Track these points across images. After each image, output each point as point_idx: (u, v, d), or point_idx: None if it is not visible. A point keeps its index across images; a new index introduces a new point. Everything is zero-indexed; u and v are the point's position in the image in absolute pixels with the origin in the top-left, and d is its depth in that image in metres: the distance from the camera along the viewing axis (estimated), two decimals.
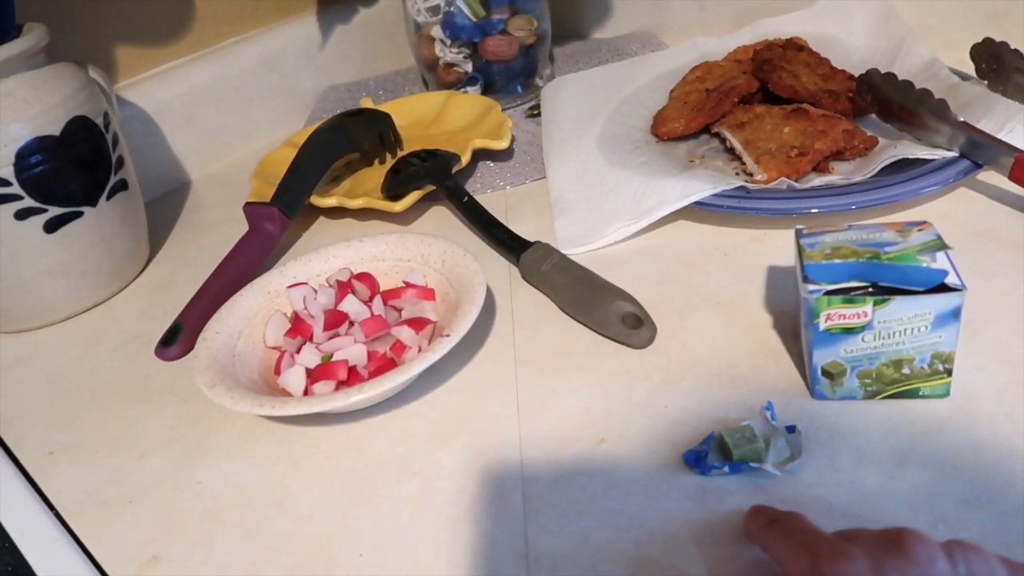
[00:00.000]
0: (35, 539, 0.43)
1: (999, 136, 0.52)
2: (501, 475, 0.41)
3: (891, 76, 0.58)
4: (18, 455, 0.50)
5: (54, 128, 0.57)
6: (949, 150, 0.54)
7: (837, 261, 0.38)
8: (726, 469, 0.38)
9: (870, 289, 0.37)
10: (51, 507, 0.46)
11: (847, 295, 0.37)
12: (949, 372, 0.39)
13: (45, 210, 0.57)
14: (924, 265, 0.37)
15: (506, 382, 0.47)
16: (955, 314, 0.37)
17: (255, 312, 0.52)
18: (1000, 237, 0.50)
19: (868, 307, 0.37)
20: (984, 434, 0.38)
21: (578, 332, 0.50)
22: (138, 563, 0.41)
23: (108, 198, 0.61)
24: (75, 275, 0.61)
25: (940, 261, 0.37)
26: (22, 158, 0.55)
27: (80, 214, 0.59)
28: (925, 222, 0.40)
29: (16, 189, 0.56)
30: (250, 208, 0.64)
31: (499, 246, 0.58)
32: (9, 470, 0.48)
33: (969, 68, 0.62)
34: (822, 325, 0.38)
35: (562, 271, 0.52)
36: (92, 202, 0.60)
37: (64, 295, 0.61)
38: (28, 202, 0.56)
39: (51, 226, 0.58)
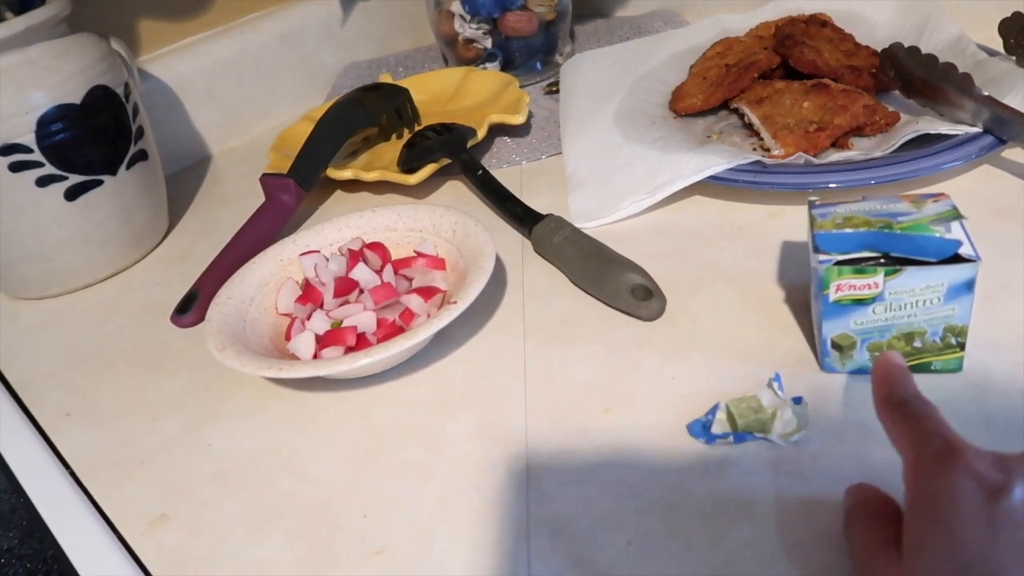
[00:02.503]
0: (50, 496, 0.44)
1: None
2: (505, 442, 0.42)
3: (914, 50, 0.56)
4: (36, 416, 0.51)
5: (75, 97, 0.58)
6: (972, 126, 0.52)
7: (848, 230, 0.37)
8: (731, 439, 0.38)
9: (882, 259, 0.37)
10: (66, 466, 0.47)
11: (858, 265, 0.37)
12: (962, 346, 0.38)
13: (66, 178, 0.58)
14: (937, 235, 0.36)
15: (514, 352, 0.47)
16: (969, 286, 0.36)
17: (268, 279, 0.52)
18: (1022, 214, 0.49)
19: (879, 278, 0.37)
20: (996, 410, 0.37)
21: (588, 304, 0.50)
22: (147, 521, 0.42)
23: (128, 167, 0.62)
24: (95, 243, 0.62)
25: (955, 231, 0.36)
26: (43, 126, 0.56)
27: (100, 182, 0.60)
28: (941, 194, 0.39)
29: (37, 156, 0.57)
30: (267, 179, 0.64)
31: (512, 219, 0.58)
32: (27, 430, 0.50)
33: (998, 44, 0.61)
34: (832, 296, 0.38)
35: (574, 244, 0.52)
36: (112, 171, 0.61)
37: (84, 263, 0.62)
38: (49, 169, 0.57)
39: (71, 194, 0.59)
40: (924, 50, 0.58)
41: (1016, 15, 0.59)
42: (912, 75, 0.55)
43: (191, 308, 0.56)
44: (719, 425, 0.38)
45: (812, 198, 0.41)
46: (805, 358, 0.42)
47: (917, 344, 0.38)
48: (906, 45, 0.58)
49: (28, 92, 0.56)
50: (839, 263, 0.37)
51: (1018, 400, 0.38)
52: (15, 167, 0.56)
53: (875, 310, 0.38)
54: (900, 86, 0.57)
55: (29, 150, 0.56)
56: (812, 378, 0.41)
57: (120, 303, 0.61)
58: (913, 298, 0.37)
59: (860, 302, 0.38)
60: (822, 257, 0.37)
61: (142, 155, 0.64)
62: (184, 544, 0.40)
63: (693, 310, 0.48)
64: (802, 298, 0.47)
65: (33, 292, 0.63)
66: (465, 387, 0.46)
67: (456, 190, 0.66)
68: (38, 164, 0.57)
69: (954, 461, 0.27)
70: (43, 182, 0.57)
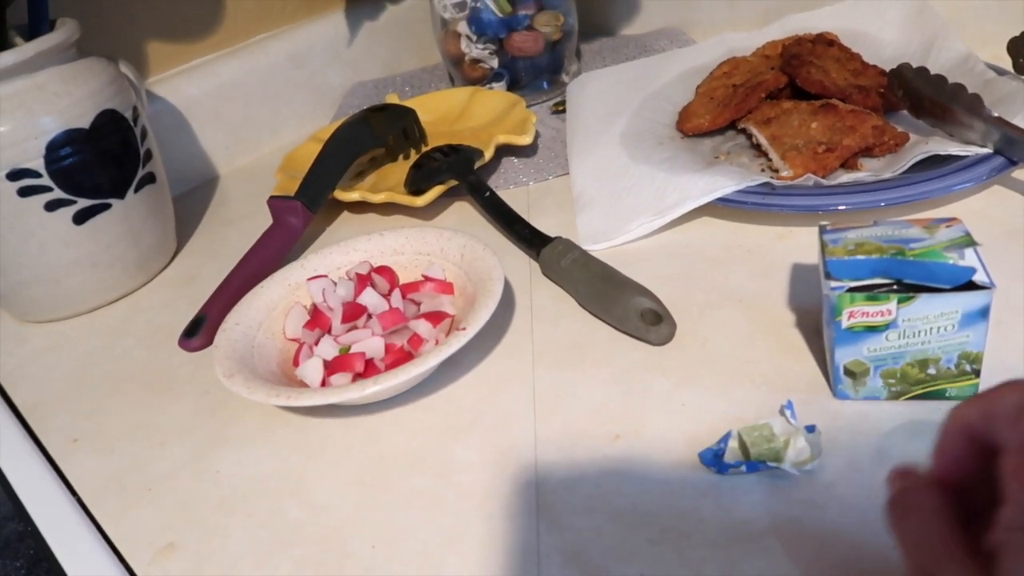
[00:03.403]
0: (56, 523, 0.44)
1: None
2: (515, 470, 0.41)
3: (923, 71, 0.56)
4: (43, 441, 0.51)
5: (84, 121, 0.58)
6: (983, 146, 0.52)
7: (860, 257, 0.37)
8: (743, 468, 0.38)
9: (894, 286, 0.36)
10: (73, 492, 0.46)
11: (870, 292, 0.36)
12: (977, 373, 0.38)
13: (74, 202, 0.58)
14: (951, 262, 0.36)
15: (523, 377, 0.47)
16: (983, 313, 0.36)
17: (275, 304, 0.52)
18: None
19: (892, 305, 0.36)
20: None
21: (597, 328, 0.50)
22: (154, 549, 0.41)
23: (136, 191, 0.62)
24: (103, 266, 0.62)
25: (968, 258, 0.36)
26: (52, 150, 0.56)
27: (108, 206, 0.60)
28: (954, 218, 0.39)
29: (46, 181, 0.57)
30: (274, 202, 0.64)
31: (520, 241, 0.58)
32: (34, 456, 0.49)
33: (1006, 63, 0.60)
34: (844, 323, 0.37)
35: (582, 266, 0.52)
36: (120, 194, 0.61)
37: (92, 286, 0.62)
38: (58, 194, 0.57)
39: (80, 218, 0.59)
40: (932, 69, 0.58)
41: None
42: (921, 95, 0.55)
43: (199, 332, 0.56)
44: (731, 454, 0.38)
45: (823, 223, 0.41)
46: (817, 384, 0.42)
47: (931, 371, 0.38)
48: (914, 64, 0.58)
49: (37, 117, 0.56)
50: (851, 290, 0.37)
51: None
52: (24, 192, 0.56)
53: (888, 337, 0.37)
54: (909, 106, 0.57)
55: (38, 175, 0.56)
56: (825, 405, 0.41)
57: (128, 326, 0.61)
58: (927, 325, 0.36)
59: (873, 329, 0.37)
60: (834, 284, 0.37)
61: (150, 178, 0.64)
62: (191, 573, 0.40)
63: (703, 334, 0.47)
64: (812, 322, 0.46)
65: (41, 315, 0.63)
66: (474, 413, 0.45)
67: (463, 211, 0.66)
68: (47, 189, 0.57)
69: None
70: (52, 206, 0.58)
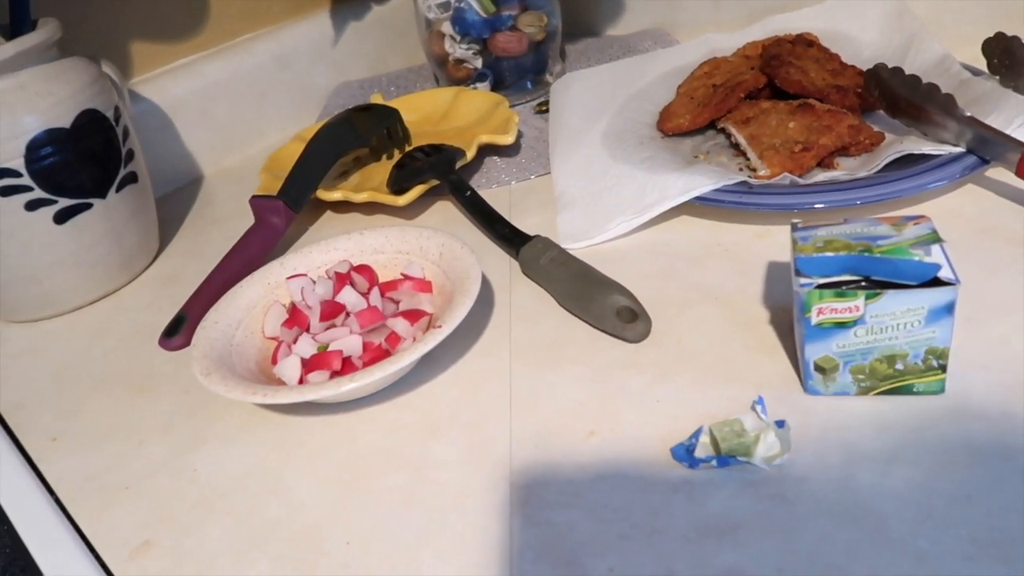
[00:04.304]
0: (33, 523, 0.44)
1: (1008, 132, 0.51)
2: (490, 467, 0.41)
3: (898, 71, 0.57)
4: (22, 441, 0.51)
5: (65, 121, 0.58)
6: (956, 146, 0.53)
7: (829, 254, 0.37)
8: (714, 463, 0.38)
9: (862, 283, 0.37)
10: (51, 492, 0.46)
11: (839, 289, 0.37)
12: (944, 368, 0.38)
13: (55, 201, 0.58)
14: (917, 259, 0.36)
15: (501, 375, 0.47)
16: (949, 309, 0.36)
17: (255, 303, 0.52)
18: (1006, 234, 0.49)
19: (860, 301, 0.37)
20: (978, 432, 0.37)
21: (575, 326, 0.50)
22: (131, 548, 0.41)
23: (118, 190, 0.62)
24: (84, 266, 0.62)
25: (934, 255, 0.36)
26: (33, 150, 0.56)
27: (89, 206, 0.60)
28: (922, 216, 0.39)
29: (26, 180, 0.57)
30: (256, 201, 0.64)
31: (500, 240, 0.58)
32: (12, 456, 0.49)
33: (982, 64, 0.61)
34: (814, 319, 0.38)
35: (560, 265, 0.52)
36: (102, 194, 0.61)
37: (73, 286, 0.62)
38: (38, 193, 0.57)
39: (61, 217, 0.59)
40: (909, 70, 0.58)
41: (999, 35, 0.59)
42: (896, 95, 0.56)
43: (179, 331, 0.56)
44: (702, 449, 0.38)
45: (795, 220, 0.41)
46: (789, 380, 0.42)
47: (899, 367, 0.38)
48: (891, 64, 0.59)
49: (18, 116, 0.56)
50: (820, 287, 0.37)
51: (1000, 421, 0.38)
52: (4, 191, 0.56)
53: (857, 333, 0.38)
54: (885, 106, 0.58)
55: (18, 174, 0.56)
56: (796, 400, 0.41)
57: (109, 326, 0.61)
58: (894, 321, 0.37)
59: (842, 325, 0.38)
60: (803, 281, 0.37)
61: (132, 178, 0.64)
62: (168, 571, 0.40)
63: (679, 331, 0.48)
64: (787, 319, 0.47)
65: (22, 315, 0.63)
66: (451, 411, 0.46)
67: (445, 211, 0.66)
68: (27, 188, 0.57)
69: None
70: (32, 206, 0.58)
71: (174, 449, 0.48)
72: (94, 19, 0.75)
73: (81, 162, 0.59)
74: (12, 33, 0.60)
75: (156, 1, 0.79)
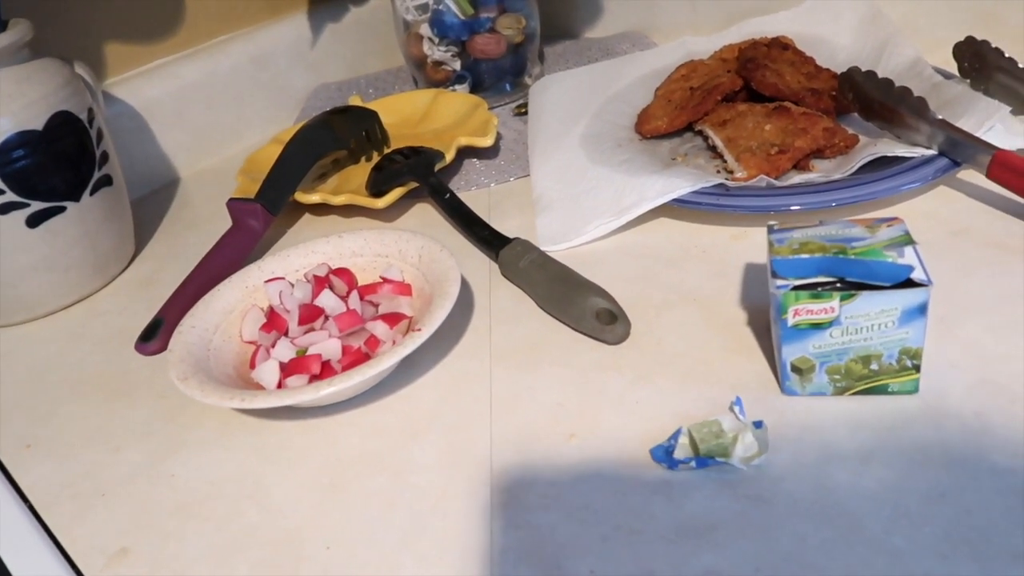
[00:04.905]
0: (6, 531, 0.43)
1: (978, 134, 0.52)
2: (471, 470, 0.41)
3: (871, 74, 0.57)
4: None
5: (37, 123, 0.57)
6: (928, 148, 0.54)
7: (804, 256, 0.38)
8: (693, 464, 0.38)
9: (837, 284, 0.37)
10: (25, 500, 0.46)
11: (814, 290, 0.37)
12: (917, 368, 0.39)
13: (27, 204, 0.58)
14: (890, 260, 0.37)
15: (481, 378, 0.47)
16: (921, 309, 0.37)
17: (232, 307, 0.52)
18: (977, 235, 0.50)
19: (835, 302, 0.37)
20: (952, 431, 0.38)
21: (555, 328, 0.50)
22: (107, 555, 0.41)
23: (92, 193, 0.62)
24: (58, 270, 0.61)
25: (907, 256, 0.37)
26: (4, 152, 0.56)
27: (63, 209, 0.60)
28: (896, 218, 0.40)
29: None
30: (233, 204, 0.64)
31: (479, 243, 0.58)
32: None
33: (954, 67, 0.62)
34: (790, 320, 0.38)
35: (540, 268, 0.52)
36: (75, 197, 0.60)
37: (48, 290, 0.61)
38: (10, 196, 0.57)
39: (33, 221, 0.58)
40: (883, 73, 0.59)
41: (969, 40, 0.60)
42: (870, 98, 0.57)
43: (156, 335, 0.55)
44: (681, 450, 0.39)
45: (771, 223, 0.42)
46: (767, 381, 0.43)
47: (874, 367, 0.39)
48: (865, 68, 0.59)
49: None
50: (796, 288, 0.38)
51: (973, 420, 0.38)
52: None
53: (832, 334, 0.38)
54: (859, 109, 0.58)
55: None
56: (773, 401, 0.41)
57: (84, 330, 0.61)
58: (868, 322, 0.37)
59: (818, 326, 0.38)
60: (780, 282, 0.38)
61: (106, 180, 0.63)
62: None
63: (658, 333, 0.48)
64: (764, 320, 0.47)
65: None
66: (431, 414, 0.46)
67: (425, 213, 0.66)
68: None
69: None
70: (4, 209, 0.57)
71: (151, 455, 0.47)
72: (66, 19, 0.74)
73: (54, 165, 0.59)
74: None
75: (130, 1, 0.78)
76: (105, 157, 0.63)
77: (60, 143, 0.59)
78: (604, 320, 0.47)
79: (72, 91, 0.61)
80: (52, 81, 0.59)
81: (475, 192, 0.68)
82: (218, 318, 0.51)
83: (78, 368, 0.56)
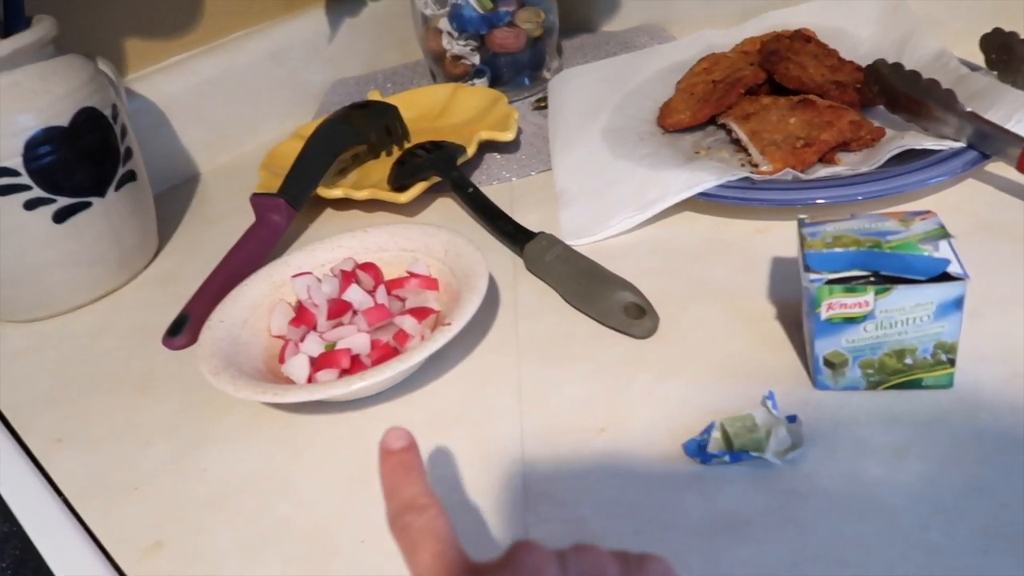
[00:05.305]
0: (42, 524, 0.44)
1: (1007, 127, 0.52)
2: (502, 464, 0.42)
3: (898, 66, 0.57)
4: (27, 441, 0.51)
5: (62, 119, 0.58)
6: (956, 141, 0.53)
7: (838, 250, 0.38)
8: (726, 458, 0.38)
9: (871, 278, 0.37)
10: (59, 493, 0.46)
11: (848, 284, 0.37)
12: (952, 362, 0.39)
13: (54, 200, 0.58)
14: (926, 254, 0.36)
15: (508, 372, 0.48)
16: (958, 303, 0.37)
17: (260, 301, 0.52)
18: (1007, 228, 0.50)
19: (869, 296, 0.37)
20: (987, 425, 0.38)
21: (581, 322, 0.50)
22: (142, 548, 0.41)
23: (116, 189, 0.62)
24: (84, 265, 0.61)
25: (943, 250, 0.37)
26: (31, 149, 0.56)
27: (88, 204, 0.60)
28: (929, 212, 0.40)
29: (25, 179, 0.56)
30: (256, 199, 0.64)
31: (503, 237, 0.58)
32: (18, 456, 0.49)
33: (979, 59, 0.62)
34: (823, 314, 0.38)
35: (565, 262, 0.52)
36: (100, 193, 0.61)
37: (73, 285, 0.62)
38: (37, 192, 0.57)
39: (60, 216, 0.59)
40: (907, 65, 0.59)
41: (997, 31, 0.60)
42: (896, 91, 0.56)
43: (182, 330, 0.55)
44: (714, 444, 0.39)
45: (802, 216, 0.42)
46: (798, 375, 0.43)
47: (908, 361, 0.39)
48: (889, 60, 0.59)
49: (15, 115, 0.56)
50: (830, 282, 0.38)
51: (1007, 414, 0.38)
52: (2, 191, 0.56)
53: (866, 328, 0.38)
54: (884, 102, 0.58)
55: (16, 173, 0.56)
56: (805, 395, 0.41)
57: (110, 325, 0.61)
58: (903, 316, 0.37)
59: (851, 320, 0.38)
60: (813, 276, 0.38)
61: (131, 176, 0.64)
62: (180, 571, 0.40)
63: (684, 327, 0.48)
64: (792, 314, 0.47)
65: (22, 315, 0.62)
66: (460, 408, 0.46)
67: (446, 207, 0.66)
68: (26, 187, 0.56)
69: None
70: (31, 205, 0.57)
71: (180, 448, 0.47)
72: (86, 16, 0.74)
73: (79, 161, 0.59)
74: (6, 30, 0.59)
75: None
76: (129, 153, 0.64)
77: (85, 139, 0.59)
78: (632, 314, 0.47)
79: (96, 87, 0.61)
80: (77, 77, 0.59)
81: (496, 186, 0.68)
82: (246, 313, 0.51)
83: (105, 363, 0.57)
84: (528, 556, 0.26)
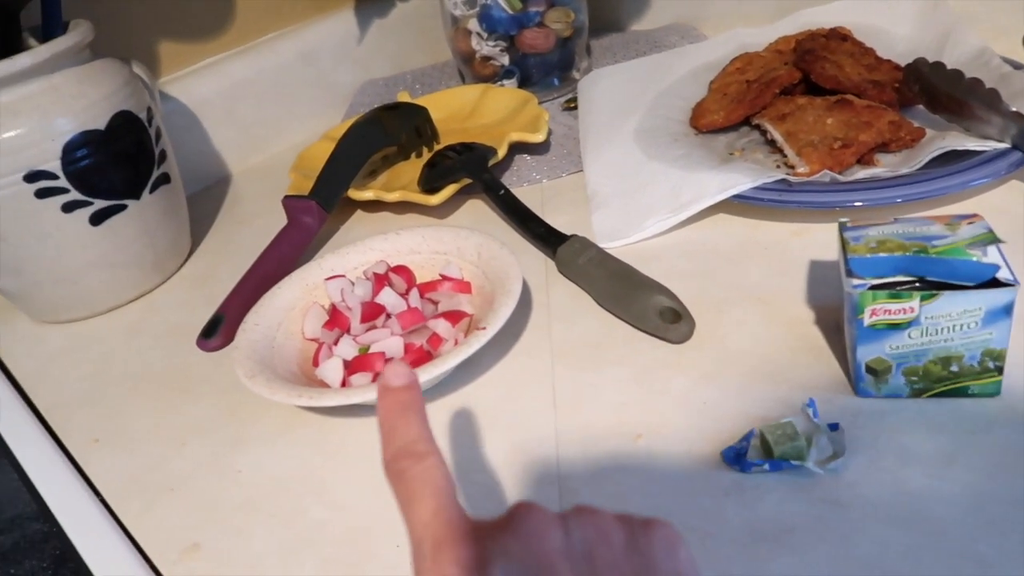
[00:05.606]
0: (81, 524, 0.44)
1: None
2: (537, 469, 0.41)
3: (939, 65, 0.56)
4: (64, 442, 0.51)
5: (99, 123, 0.58)
6: (1000, 141, 0.52)
7: (883, 255, 0.37)
8: (766, 467, 0.38)
9: (917, 284, 0.36)
10: (96, 493, 0.47)
11: (893, 290, 0.36)
12: (1000, 370, 0.38)
13: (91, 203, 0.59)
14: (974, 259, 0.36)
15: (542, 376, 0.47)
16: (1007, 310, 0.36)
17: (293, 304, 0.52)
18: None
19: (915, 302, 0.36)
20: None
21: (615, 326, 0.50)
22: (179, 549, 0.42)
23: (151, 191, 0.62)
24: (119, 267, 0.62)
25: (991, 255, 0.36)
26: (68, 152, 0.57)
27: (124, 207, 0.60)
28: (975, 215, 0.39)
29: (63, 182, 0.57)
30: (289, 201, 0.64)
31: (535, 239, 0.58)
32: (56, 456, 0.50)
33: (1022, 57, 0.60)
34: (867, 320, 0.37)
35: (599, 265, 0.52)
36: (136, 195, 0.61)
37: (109, 286, 0.62)
38: (74, 195, 0.58)
39: (96, 219, 0.59)
40: (946, 64, 0.57)
41: None
42: (937, 90, 0.55)
43: (216, 332, 0.56)
44: (754, 452, 0.38)
45: (843, 220, 0.41)
46: (838, 382, 0.42)
47: (954, 368, 0.38)
48: (928, 58, 0.58)
49: (53, 119, 0.56)
50: (873, 287, 0.37)
51: None
52: (41, 193, 0.56)
53: (911, 335, 0.37)
54: (925, 101, 0.57)
55: (55, 176, 0.56)
56: (846, 403, 0.41)
57: (144, 326, 0.62)
58: (950, 322, 0.36)
59: (895, 327, 0.37)
60: (856, 282, 0.37)
61: (165, 178, 0.64)
62: (217, 573, 0.40)
63: (721, 332, 0.47)
64: (831, 319, 0.46)
65: (58, 316, 0.63)
66: (494, 412, 0.46)
67: (477, 209, 0.66)
68: (63, 190, 0.57)
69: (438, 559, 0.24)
70: (68, 208, 0.58)
71: (216, 450, 0.48)
72: (120, 20, 0.75)
73: (116, 164, 0.59)
74: (44, 36, 0.60)
75: (182, 2, 0.79)
76: (163, 155, 0.64)
77: (121, 142, 0.60)
78: (668, 319, 0.47)
79: (132, 91, 0.61)
80: (113, 81, 0.60)
81: (526, 188, 0.67)
82: (280, 315, 0.51)
83: (139, 363, 0.57)
84: (529, 518, 0.25)
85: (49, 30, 0.60)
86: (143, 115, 0.62)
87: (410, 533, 0.25)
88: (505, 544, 0.24)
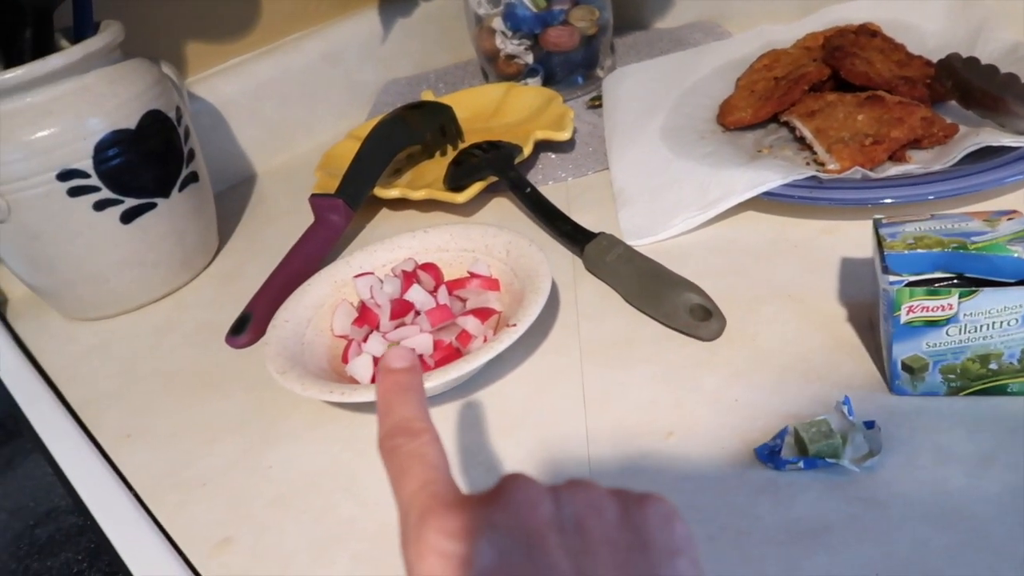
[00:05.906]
0: (115, 518, 0.45)
1: None
2: (568, 466, 0.41)
3: (973, 60, 0.55)
4: (97, 437, 0.52)
5: (130, 122, 0.59)
6: None
7: (920, 251, 0.37)
8: (801, 464, 0.37)
9: (955, 280, 0.36)
10: (129, 488, 0.47)
11: (931, 287, 0.36)
12: None
13: (122, 201, 0.59)
14: (1015, 256, 0.35)
15: (571, 373, 0.47)
16: None
17: (323, 301, 0.53)
18: None
19: (953, 299, 0.36)
20: None
21: (644, 324, 0.50)
22: (212, 544, 0.42)
23: (180, 190, 0.63)
24: (149, 264, 0.63)
25: None
26: (100, 151, 0.57)
27: (154, 205, 0.61)
28: (1015, 211, 0.38)
29: (95, 181, 0.58)
30: (315, 200, 0.65)
31: (562, 237, 0.58)
32: (89, 451, 0.50)
33: None
34: (903, 318, 0.37)
35: (627, 262, 0.51)
36: (165, 194, 0.62)
37: (138, 284, 0.63)
38: (106, 194, 0.58)
39: (127, 217, 0.60)
40: (980, 59, 0.57)
41: None
42: (971, 86, 0.54)
43: (245, 329, 0.56)
44: (788, 449, 0.38)
45: (878, 216, 0.41)
46: (872, 380, 0.42)
47: (993, 366, 0.37)
48: (959, 54, 0.57)
49: (85, 118, 0.57)
50: (911, 284, 0.36)
51: None
52: (73, 192, 0.57)
53: (949, 332, 0.37)
54: (958, 97, 0.56)
55: (87, 175, 0.57)
56: (881, 401, 0.40)
57: (173, 323, 0.62)
58: (989, 320, 0.36)
59: (933, 324, 0.37)
60: (893, 278, 0.37)
61: (193, 177, 0.65)
62: (249, 568, 0.40)
63: (752, 329, 0.47)
64: (864, 316, 0.46)
65: (89, 313, 0.64)
66: (523, 409, 0.46)
67: (503, 208, 0.66)
68: (95, 189, 0.58)
69: (423, 528, 0.23)
70: (100, 206, 0.58)
71: (246, 446, 0.48)
72: (149, 20, 0.75)
73: (146, 162, 0.60)
74: (76, 36, 0.61)
75: (209, 3, 0.80)
76: (192, 154, 0.65)
77: (151, 141, 0.60)
78: (698, 316, 0.47)
79: (161, 90, 0.62)
80: (143, 81, 0.61)
81: (552, 186, 0.67)
82: (309, 312, 0.51)
83: (169, 360, 0.58)
84: (520, 490, 0.24)
85: (80, 31, 0.61)
86: (172, 114, 0.62)
87: (398, 505, 0.25)
88: (493, 515, 0.23)
